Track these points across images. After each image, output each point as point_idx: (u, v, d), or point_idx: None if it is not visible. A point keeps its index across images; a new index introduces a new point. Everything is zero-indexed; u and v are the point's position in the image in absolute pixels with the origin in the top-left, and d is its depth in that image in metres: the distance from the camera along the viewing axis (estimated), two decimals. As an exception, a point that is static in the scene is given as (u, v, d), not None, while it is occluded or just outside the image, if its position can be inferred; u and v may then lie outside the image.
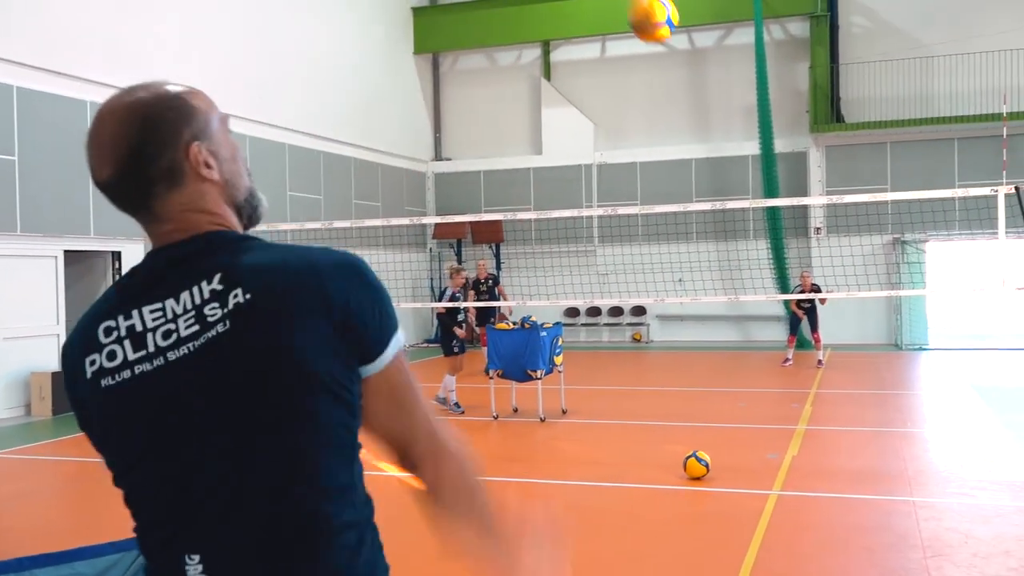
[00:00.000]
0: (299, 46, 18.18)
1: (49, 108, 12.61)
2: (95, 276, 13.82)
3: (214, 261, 1.44)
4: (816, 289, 15.63)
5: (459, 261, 22.06)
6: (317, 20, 18.91)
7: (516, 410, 11.25)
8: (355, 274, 1.45)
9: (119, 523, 2.27)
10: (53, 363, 12.66)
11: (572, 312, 21.93)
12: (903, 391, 13.47)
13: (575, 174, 22.16)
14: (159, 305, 1.43)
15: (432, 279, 22.12)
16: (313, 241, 16.80)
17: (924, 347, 18.81)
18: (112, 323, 1.45)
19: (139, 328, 1.43)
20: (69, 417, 12.00)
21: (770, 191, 19.60)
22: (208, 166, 1.50)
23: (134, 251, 13.43)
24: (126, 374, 1.42)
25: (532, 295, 19.02)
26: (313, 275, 1.41)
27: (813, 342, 16.47)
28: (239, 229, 1.56)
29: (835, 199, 11.23)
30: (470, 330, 18.55)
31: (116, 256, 13.72)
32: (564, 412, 11.09)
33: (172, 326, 1.41)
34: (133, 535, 2.11)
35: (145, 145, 1.46)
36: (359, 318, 1.43)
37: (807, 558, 5.68)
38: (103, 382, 1.44)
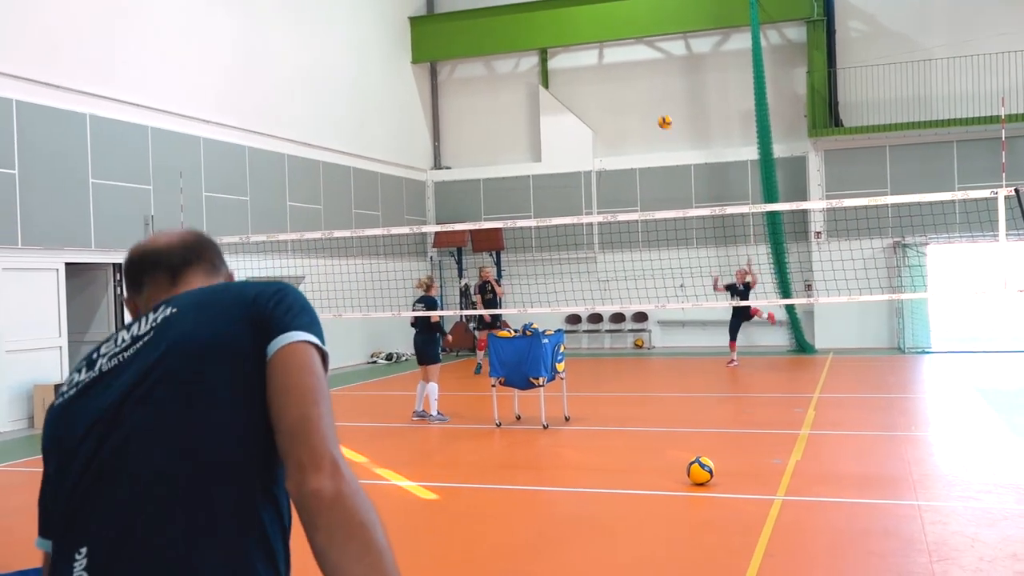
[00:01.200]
0: (297, 56, 18.21)
1: (49, 122, 12.63)
2: (96, 288, 13.82)
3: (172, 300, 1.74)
4: (748, 287, 16.51)
5: (460, 269, 22.07)
6: (315, 30, 18.94)
7: (519, 417, 11.23)
8: (271, 286, 1.66)
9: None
10: (56, 375, 12.66)
11: (574, 319, 21.92)
12: (906, 394, 13.46)
13: (575, 181, 22.18)
14: (113, 342, 1.76)
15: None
16: (314, 251, 16.83)
17: (927, 350, 18.78)
18: (77, 374, 1.79)
19: (95, 356, 1.74)
20: (71, 430, 11.97)
21: (769, 196, 19.60)
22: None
23: (135, 263, 13.41)
24: (72, 392, 1.74)
25: (533, 303, 19.00)
26: (232, 289, 1.68)
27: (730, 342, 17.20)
28: None
29: (834, 203, 11.21)
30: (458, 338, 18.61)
31: (117, 268, 13.72)
32: (567, 419, 11.07)
33: (115, 348, 1.70)
34: None
35: (211, 246, 1.89)
36: (264, 309, 1.59)
37: (812, 563, 5.66)
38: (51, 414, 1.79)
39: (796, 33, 20.91)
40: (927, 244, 19.10)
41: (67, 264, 12.97)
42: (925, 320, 19.18)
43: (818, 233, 19.86)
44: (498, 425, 10.84)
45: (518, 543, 6.36)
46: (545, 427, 10.61)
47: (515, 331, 11.06)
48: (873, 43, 20.14)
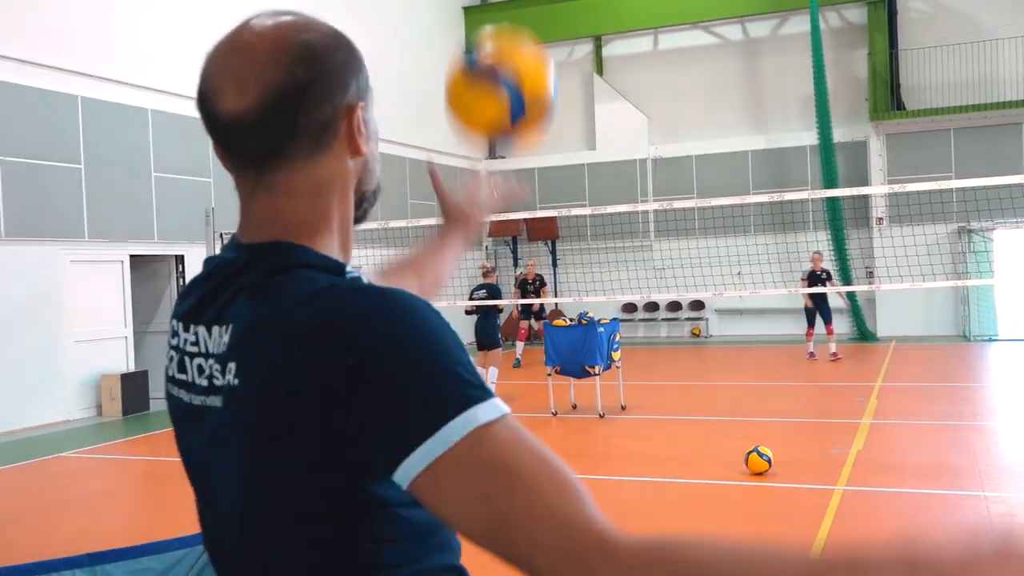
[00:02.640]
0: (353, 48, 18.35)
1: (113, 117, 12.91)
2: (159, 280, 14.13)
3: (237, 303, 1.12)
4: (828, 276, 15.57)
5: (515, 258, 22.10)
6: (369, 21, 19.07)
7: (575, 406, 11.23)
8: (367, 345, 1.02)
9: (187, 520, 2.32)
10: (122, 365, 12.98)
11: (630, 308, 21.82)
12: (972, 383, 13.16)
13: (630, 169, 22.05)
14: (195, 334, 1.17)
15: (488, 277, 22.17)
16: (370, 241, 16.99)
17: (993, 338, 18.34)
18: (175, 323, 1.23)
19: (184, 349, 1.19)
20: (139, 417, 12.31)
21: (829, 182, 19.28)
22: (362, 135, 1.18)
23: (197, 254, 13.70)
24: (173, 390, 1.22)
25: (588, 291, 18.95)
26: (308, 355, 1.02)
27: (827, 334, 16.03)
28: (329, 233, 1.19)
29: (896, 188, 10.98)
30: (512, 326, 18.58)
31: (179, 260, 14.00)
32: (623, 408, 11.04)
33: (203, 364, 1.14)
34: (199, 530, 2.14)
35: (311, 87, 1.11)
36: (375, 419, 1.00)
37: (874, 554, 5.57)
38: (167, 384, 1.26)
39: (856, 15, 20.49)
40: (994, 229, 18.61)
41: (131, 256, 13.27)
42: (992, 307, 18.72)
43: (880, 219, 19.47)
44: (554, 414, 10.85)
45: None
46: (601, 416, 10.59)
47: (570, 320, 11.04)
48: (936, 24, 19.65)
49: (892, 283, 15.21)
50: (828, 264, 18.88)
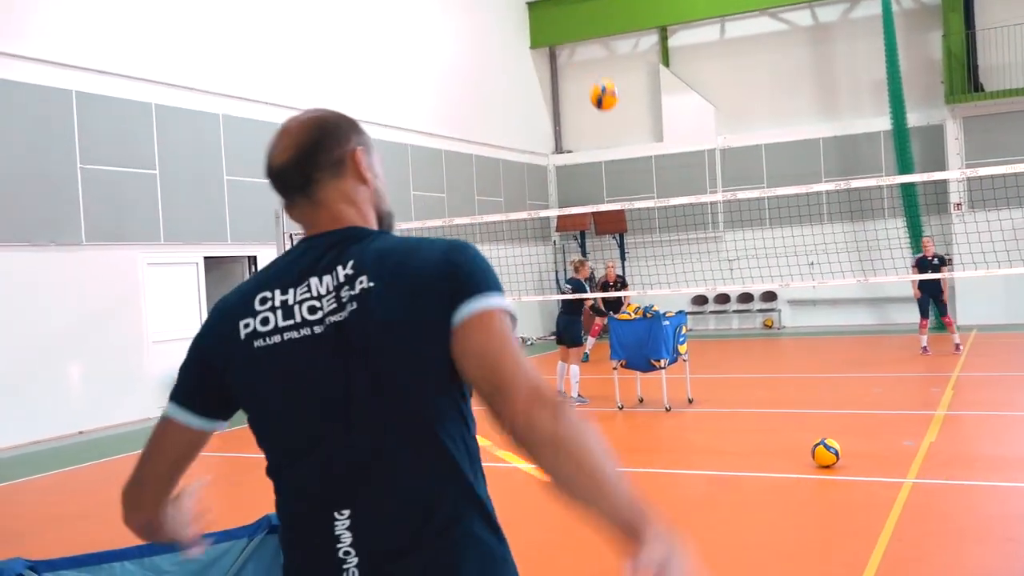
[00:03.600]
0: (417, 48, 18.53)
1: (185, 122, 13.28)
2: (233, 280, 14.47)
3: (350, 250, 1.67)
4: (941, 260, 14.36)
5: (583, 253, 22.06)
6: (434, 20, 19.22)
7: (641, 400, 11.19)
8: (454, 249, 1.65)
9: (257, 513, 2.40)
10: (198, 364, 13.34)
11: (700, 300, 21.62)
12: (1055, 372, 12.71)
13: (698, 160, 21.82)
14: (306, 284, 1.67)
15: (557, 272, 22.18)
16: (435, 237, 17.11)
17: (1080, 325, 17.67)
18: (268, 294, 1.69)
19: (290, 302, 1.66)
20: (213, 415, 12.62)
21: (904, 167, 18.80)
22: (366, 169, 1.79)
23: (268, 254, 14.00)
24: (277, 339, 1.65)
25: (657, 284, 18.82)
26: (421, 258, 1.64)
27: (945, 326, 15.32)
28: (375, 227, 1.80)
29: (970, 172, 10.66)
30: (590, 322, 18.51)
31: (252, 260, 14.33)
32: (690, 401, 10.96)
33: (317, 303, 1.64)
34: (246, 524, 2.23)
35: (323, 139, 1.75)
36: (453, 278, 1.60)
37: (941, 548, 5.45)
38: (256, 343, 1.67)
39: (930, -5, 19.92)
40: (1079, 212, 17.92)
41: (206, 258, 13.63)
42: (1078, 293, 18.02)
43: (958, 204, 18.92)
44: (620, 408, 10.83)
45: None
46: (668, 409, 10.53)
47: (637, 308, 10.95)
48: (1015, 1, 18.98)
49: (967, 270, 14.76)
50: (906, 252, 18.40)
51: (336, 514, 1.60)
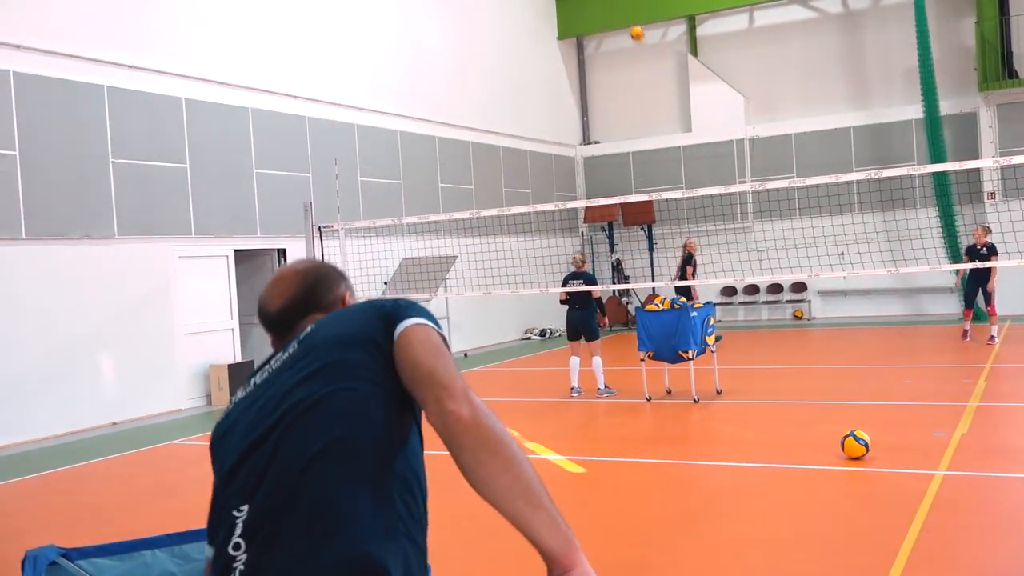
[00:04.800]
0: (445, 39, 18.55)
1: (215, 116, 13.39)
2: (264, 273, 14.59)
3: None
4: (991, 250, 13.98)
5: (611, 244, 22.01)
6: (461, 12, 19.22)
7: (669, 391, 11.16)
8: (378, 302, 1.93)
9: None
10: (229, 356, 13.48)
11: (729, 291, 21.51)
12: (1091, 363, 12.53)
13: (727, 150, 21.68)
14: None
15: (585, 263, 22.13)
16: (464, 230, 17.16)
17: (1117, 315, 17.38)
18: None
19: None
20: (244, 406, 12.73)
21: (936, 156, 18.58)
22: None
23: (297, 248, 14.11)
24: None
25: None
26: (360, 304, 1.98)
27: (988, 315, 15.20)
28: None
29: (1004, 160, 10.50)
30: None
31: (281, 253, 14.44)
32: (719, 392, 10.92)
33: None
34: None
35: (318, 285, 2.10)
36: (389, 310, 1.87)
37: (972, 540, 5.40)
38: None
39: (963, -19, 19.64)
40: (1116, 201, 17.61)
41: (236, 251, 13.75)
42: (1115, 283, 17.72)
43: (992, 193, 18.67)
44: (648, 399, 10.81)
45: (668, 517, 6.35)
46: (696, 401, 10.50)
47: (664, 299, 10.92)
48: (1051, -14, 18.67)
49: (1001, 260, 14.55)
50: (938, 242, 18.17)
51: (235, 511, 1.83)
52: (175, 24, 12.94)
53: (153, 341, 12.41)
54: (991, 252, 14.02)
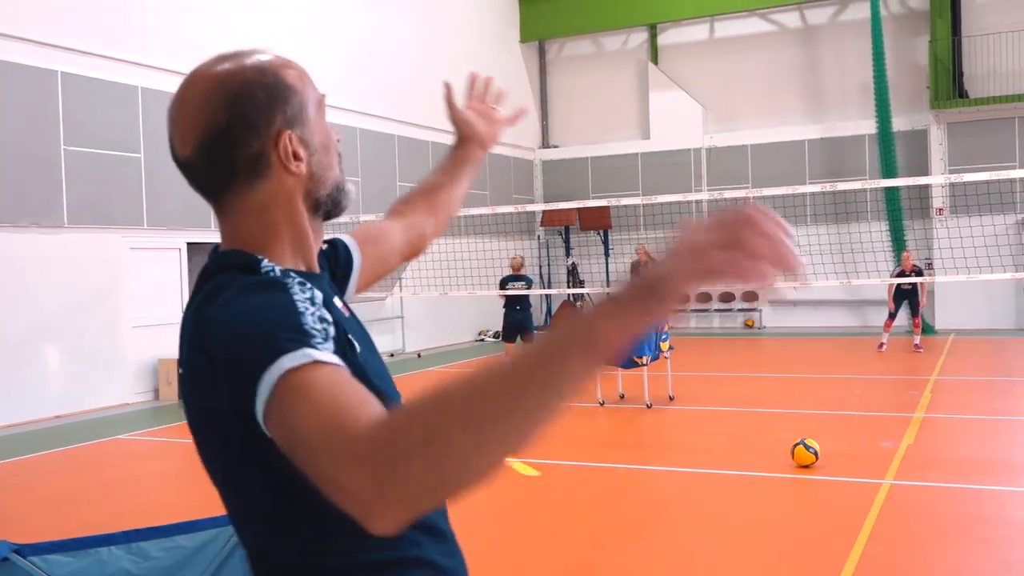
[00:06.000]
0: (407, 37, 18.48)
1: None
2: (216, 267, 14.40)
3: (193, 299, 1.33)
4: (918, 272, 15.08)
5: (567, 248, 22.10)
6: (424, 10, 19.17)
7: (623, 396, 11.22)
8: (201, 329, 1.29)
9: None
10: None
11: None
12: (1032, 378, 12.84)
13: (684, 158, 21.88)
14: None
15: (541, 266, 22.21)
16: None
17: (1057, 332, 17.88)
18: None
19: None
20: (193, 402, 12.56)
21: (888, 171, 18.93)
22: (297, 158, 1.34)
23: (252, 242, 13.93)
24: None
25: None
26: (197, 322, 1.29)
27: (912, 326, 15.79)
28: (284, 240, 1.38)
29: (954, 178, 10.77)
30: None
31: (235, 248, 14.26)
32: (671, 399, 11.01)
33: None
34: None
35: (232, 128, 1.31)
36: (219, 377, 1.22)
37: (918, 549, 5.51)
38: None
39: (918, 1, 20.04)
40: (1059, 220, 18.13)
41: (189, 243, 13.56)
42: (1056, 300, 18.24)
43: (940, 209, 19.08)
44: (601, 404, 10.86)
45: (619, 521, 6.38)
46: (649, 406, 10.57)
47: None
48: (1002, 9, 19.14)
49: (948, 275, 14.90)
50: (882, 254, 18.55)
51: None
52: (132, 11, 12.72)
53: (101, 333, 12.19)
54: (918, 274, 15.10)
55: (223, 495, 1.37)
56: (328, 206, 1.43)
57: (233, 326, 1.19)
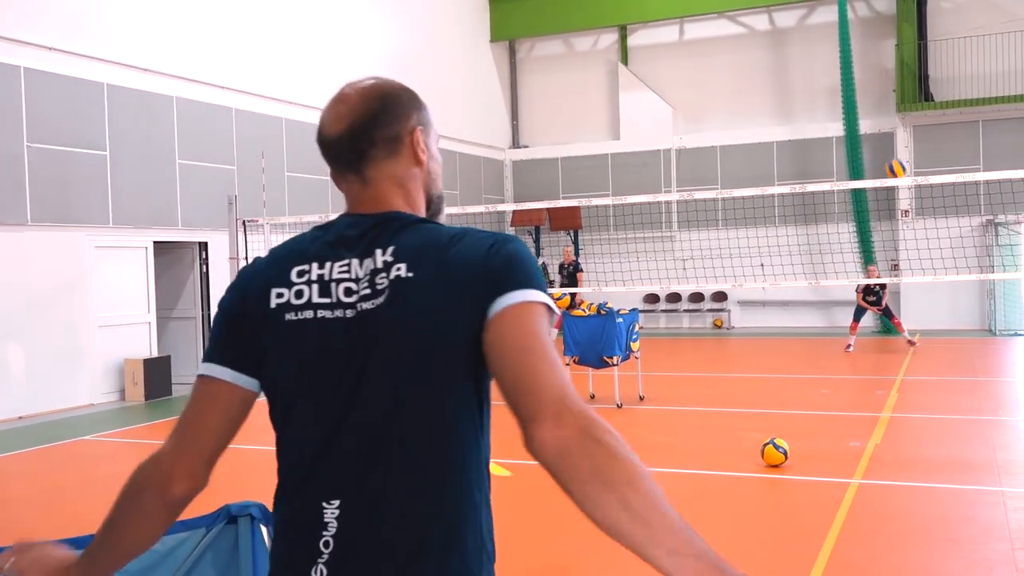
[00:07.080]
0: (377, 35, 18.39)
1: (138, 104, 13.02)
2: (183, 266, 14.25)
3: (391, 236, 1.60)
4: (882, 287, 15.72)
5: (537, 248, 22.09)
6: (395, 8, 19.08)
7: (593, 396, 11.23)
8: (499, 241, 1.59)
9: (199, 505, 2.35)
10: (145, 350, 13.11)
11: (652, 298, 21.77)
12: (995, 377, 13.02)
13: (654, 159, 21.96)
14: (345, 264, 1.59)
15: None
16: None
17: (1019, 332, 18.14)
18: (306, 267, 1.62)
19: (327, 278, 1.59)
20: (161, 402, 12.43)
21: (855, 173, 19.12)
22: (423, 151, 1.70)
23: (220, 241, 13.81)
24: (309, 314, 1.58)
25: (611, 281, 18.93)
26: (464, 249, 1.58)
27: (896, 328, 16.24)
28: (422, 214, 1.72)
29: (921, 180, 10.87)
30: None
31: (203, 246, 14.12)
32: (641, 399, 11.03)
33: (353, 286, 1.57)
34: (205, 514, 2.18)
35: (381, 112, 1.67)
36: (494, 270, 1.54)
37: (887, 548, 5.55)
38: (287, 316, 1.60)
39: (885, 5, 20.27)
40: (1021, 223, 18.39)
41: (155, 243, 13.39)
42: (1018, 301, 18.51)
43: (905, 211, 19.30)
44: (572, 404, 10.83)
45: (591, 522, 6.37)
46: (619, 406, 10.58)
47: (591, 304, 11.01)
48: (967, 14, 19.40)
49: (915, 276, 15.07)
50: (854, 256, 18.76)
51: (324, 503, 1.53)
52: (99, 7, 12.54)
53: (65, 333, 12.00)
54: (883, 287, 15.78)
55: (426, 412, 1.53)
56: (436, 206, 1.77)
57: (532, 262, 1.59)
